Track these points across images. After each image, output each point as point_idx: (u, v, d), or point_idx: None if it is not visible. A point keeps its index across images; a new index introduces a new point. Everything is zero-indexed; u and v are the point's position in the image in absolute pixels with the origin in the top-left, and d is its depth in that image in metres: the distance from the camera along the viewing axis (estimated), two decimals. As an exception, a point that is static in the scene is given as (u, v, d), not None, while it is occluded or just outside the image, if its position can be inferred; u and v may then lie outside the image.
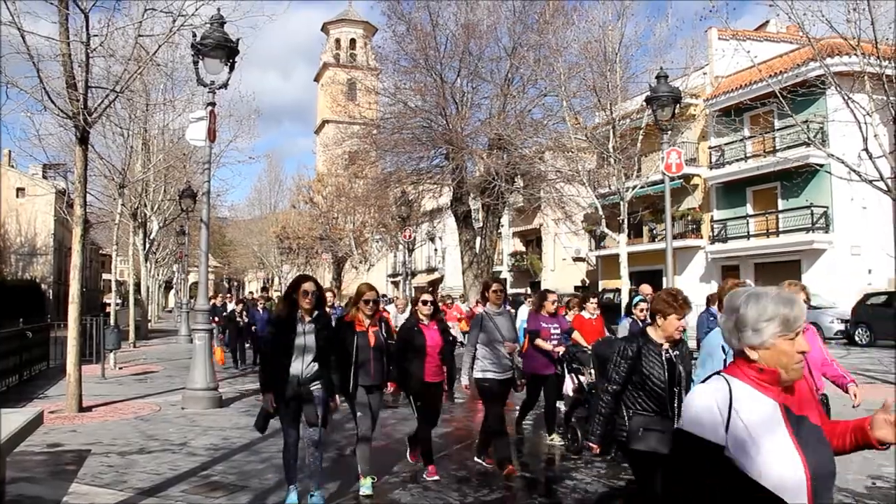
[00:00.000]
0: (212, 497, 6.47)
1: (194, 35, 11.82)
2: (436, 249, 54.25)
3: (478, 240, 25.89)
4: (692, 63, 23.24)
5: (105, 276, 70.58)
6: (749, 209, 30.36)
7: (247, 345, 19.08)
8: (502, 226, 31.13)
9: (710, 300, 10.34)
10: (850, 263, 26.43)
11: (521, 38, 23.54)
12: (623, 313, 11.33)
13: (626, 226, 20.99)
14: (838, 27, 13.27)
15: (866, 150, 13.15)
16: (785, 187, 27.93)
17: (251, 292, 54.28)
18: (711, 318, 10.10)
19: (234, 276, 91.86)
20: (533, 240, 44.42)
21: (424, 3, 24.00)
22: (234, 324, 19.09)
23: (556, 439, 8.81)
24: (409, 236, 30.48)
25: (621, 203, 20.40)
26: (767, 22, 35.38)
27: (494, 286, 7.79)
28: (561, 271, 41.12)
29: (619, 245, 21.04)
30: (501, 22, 24.23)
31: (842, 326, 23.54)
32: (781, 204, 28.76)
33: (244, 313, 19.05)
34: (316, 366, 5.98)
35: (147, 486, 6.77)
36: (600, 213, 21.97)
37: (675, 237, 27.53)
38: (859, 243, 26.36)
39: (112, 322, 19.38)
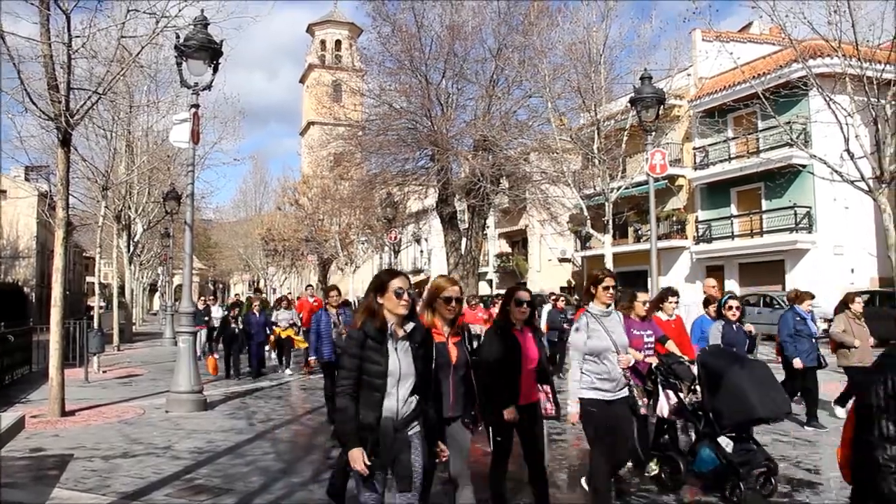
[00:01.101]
0: (196, 500, 6.44)
1: (178, 36, 11.77)
2: (421, 251, 54.21)
3: (463, 241, 25.88)
4: (676, 64, 23.34)
5: (89, 278, 70.05)
6: (733, 210, 30.53)
7: (242, 353, 17.21)
8: (488, 227, 31.10)
9: (794, 299, 10.57)
10: (832, 263, 26.62)
11: (505, 40, 23.56)
12: (703, 314, 9.32)
13: (611, 226, 21.04)
14: (820, 29, 13.35)
15: (848, 150, 13.23)
16: (768, 188, 28.11)
17: (237, 294, 53.43)
18: (798, 318, 10.27)
19: (219, 279, 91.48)
20: (518, 241, 44.48)
21: (409, 5, 23.99)
22: (228, 330, 17.44)
23: (653, 468, 7.23)
24: (395, 238, 30.46)
25: (606, 204, 20.45)
26: (751, 23, 35.58)
27: (607, 280, 5.84)
28: (547, 272, 41.19)
29: (605, 246, 21.09)
30: (486, 23, 24.24)
31: (825, 326, 23.65)
32: (765, 204, 28.94)
33: (238, 318, 17.46)
34: (415, 400, 4.14)
35: (131, 491, 6.73)
36: (585, 213, 22.02)
37: (659, 238, 27.66)
38: (842, 243, 26.56)
39: (95, 325, 19.24)
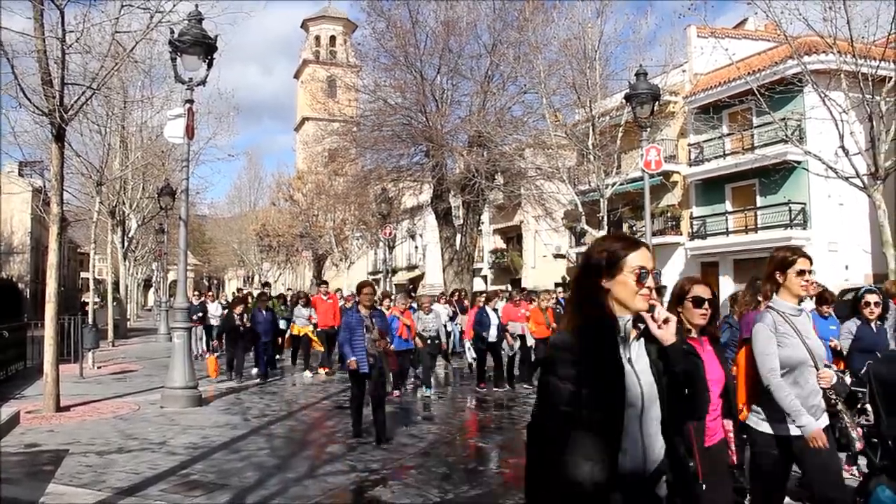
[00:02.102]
0: (191, 496, 6.43)
1: (172, 32, 11.73)
2: (416, 247, 54.16)
3: (458, 237, 25.88)
4: (671, 60, 23.38)
5: (83, 274, 69.90)
6: (728, 206, 30.54)
7: (248, 353, 16.01)
8: (482, 223, 31.11)
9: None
10: (827, 259, 26.62)
11: (501, 36, 23.55)
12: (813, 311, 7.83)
13: (605, 223, 21.09)
14: (815, 25, 13.43)
15: (843, 147, 13.30)
16: (763, 184, 28.13)
17: (239, 289, 51.53)
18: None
19: (213, 274, 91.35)
20: (513, 237, 44.45)
21: (404, 1, 23.96)
22: (233, 329, 15.72)
23: None
24: (390, 234, 30.42)
25: (601, 200, 20.50)
26: (746, 20, 35.58)
27: (801, 262, 4.22)
28: (541, 268, 41.19)
29: (599, 242, 21.09)
30: (481, 19, 24.23)
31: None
32: (760, 201, 28.96)
33: (244, 316, 15.74)
34: (661, 442, 2.51)
35: (126, 486, 6.72)
36: (580, 210, 22.05)
37: (654, 234, 27.68)
38: (836, 239, 26.60)
39: (90, 321, 19.20)
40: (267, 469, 7.39)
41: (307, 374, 16.23)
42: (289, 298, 21.12)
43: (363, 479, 7.07)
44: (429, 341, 13.83)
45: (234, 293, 32.88)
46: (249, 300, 19.20)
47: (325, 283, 19.39)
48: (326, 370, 16.43)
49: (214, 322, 20.40)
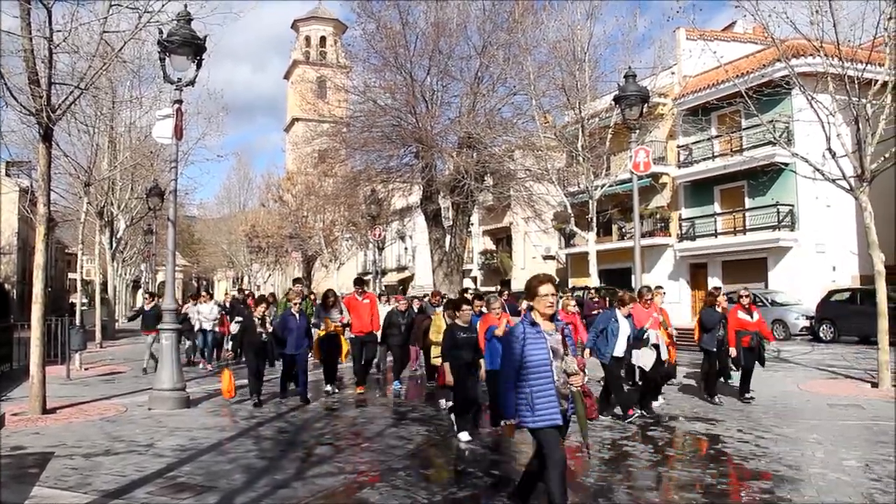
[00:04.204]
0: (178, 498, 6.40)
1: (161, 32, 11.69)
2: (406, 248, 54.17)
3: (448, 238, 25.88)
4: (660, 63, 23.45)
5: (71, 275, 69.54)
6: (716, 207, 30.67)
7: (269, 366, 12.98)
8: (472, 224, 31.13)
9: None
10: (815, 261, 26.80)
11: (490, 37, 23.55)
12: None
13: (595, 224, 21.15)
14: (802, 28, 13.46)
15: (830, 149, 13.36)
16: (751, 186, 28.27)
17: (241, 289, 43.37)
18: None
19: (202, 275, 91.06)
20: (503, 238, 44.50)
21: (394, 2, 23.94)
22: (255, 336, 12.33)
23: None
24: (379, 235, 30.40)
25: (590, 201, 20.54)
26: (734, 22, 35.76)
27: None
28: (531, 270, 41.18)
29: (589, 243, 21.16)
30: (471, 20, 24.23)
31: (807, 323, 23.88)
32: (748, 202, 29.10)
33: (265, 319, 12.54)
34: None
35: (112, 489, 6.69)
36: (570, 211, 22.09)
37: (643, 235, 27.78)
38: (824, 241, 26.75)
39: (77, 322, 19.10)
40: (255, 471, 7.36)
41: (328, 387, 13.41)
42: (312, 298, 18.40)
43: (352, 480, 7.06)
44: None
45: (234, 295, 29.83)
46: (272, 299, 16.34)
47: (364, 279, 16.02)
48: (361, 389, 13.52)
49: (207, 326, 18.24)
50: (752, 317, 11.72)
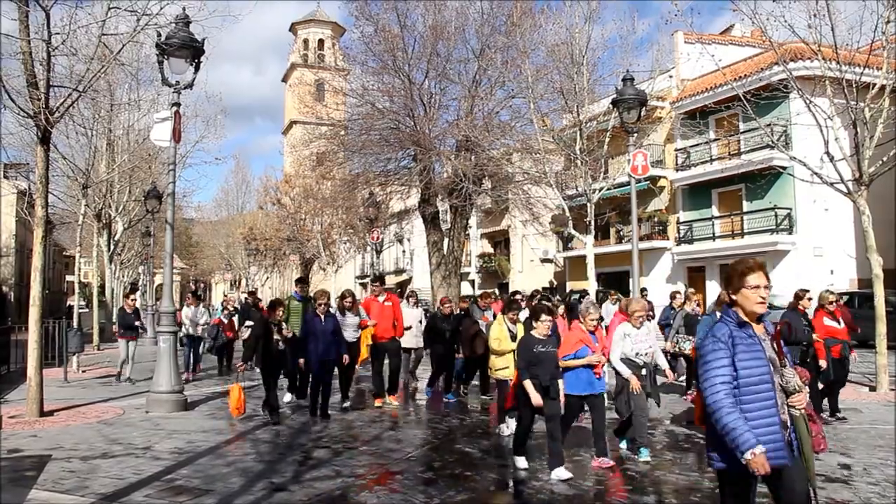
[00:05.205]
0: (176, 501, 6.39)
1: (159, 34, 11.70)
2: (404, 251, 54.17)
3: (445, 241, 25.85)
4: (659, 66, 23.45)
5: (69, 277, 69.46)
6: (714, 211, 30.71)
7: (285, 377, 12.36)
8: (470, 227, 31.13)
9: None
10: (812, 264, 26.83)
11: (488, 40, 23.55)
12: None
13: (593, 227, 21.12)
14: (800, 32, 13.50)
15: (828, 153, 13.38)
16: (749, 189, 28.29)
17: (249, 292, 41.47)
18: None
19: (200, 278, 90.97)
20: (501, 241, 44.53)
21: (392, 5, 23.93)
22: (271, 345, 10.58)
23: None
24: (377, 238, 30.40)
25: (588, 205, 20.52)
26: (732, 26, 35.85)
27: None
28: (529, 272, 41.26)
29: (587, 247, 21.15)
30: (469, 24, 24.21)
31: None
32: (746, 206, 29.13)
33: (281, 326, 10.86)
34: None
35: (110, 492, 6.68)
36: (567, 214, 22.07)
37: (641, 238, 27.80)
38: (822, 244, 26.78)
39: (75, 324, 19.07)
40: (253, 474, 7.35)
41: (346, 403, 11.90)
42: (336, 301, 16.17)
43: (349, 484, 7.05)
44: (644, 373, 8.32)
45: (244, 299, 27.40)
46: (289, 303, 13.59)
47: (381, 280, 13.99)
48: (394, 397, 12.49)
49: (193, 331, 16.68)
50: (839, 323, 10.49)
